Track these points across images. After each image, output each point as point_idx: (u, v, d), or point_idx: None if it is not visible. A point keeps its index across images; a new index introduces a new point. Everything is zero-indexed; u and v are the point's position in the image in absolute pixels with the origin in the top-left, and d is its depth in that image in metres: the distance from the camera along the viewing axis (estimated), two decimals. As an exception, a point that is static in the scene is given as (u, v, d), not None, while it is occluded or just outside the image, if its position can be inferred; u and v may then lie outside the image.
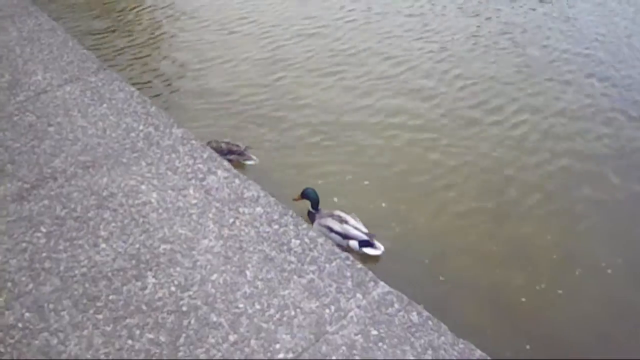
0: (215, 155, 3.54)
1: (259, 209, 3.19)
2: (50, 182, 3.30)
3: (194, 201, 3.20)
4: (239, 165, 4.49)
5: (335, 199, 4.79)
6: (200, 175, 3.37)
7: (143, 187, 3.27)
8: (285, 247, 2.97)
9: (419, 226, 4.67)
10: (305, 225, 3.13)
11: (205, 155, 3.52)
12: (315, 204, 4.34)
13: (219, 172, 3.41)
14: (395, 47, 7.29)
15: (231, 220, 3.10)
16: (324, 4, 8.38)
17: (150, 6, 8.15)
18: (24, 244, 2.94)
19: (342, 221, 4.19)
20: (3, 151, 3.54)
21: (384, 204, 4.82)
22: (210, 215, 3.12)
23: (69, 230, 3.01)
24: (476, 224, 4.71)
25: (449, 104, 6.28)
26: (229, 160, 4.28)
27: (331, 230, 4.11)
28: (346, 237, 4.13)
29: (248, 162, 4.37)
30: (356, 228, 4.17)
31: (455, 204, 4.94)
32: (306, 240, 3.03)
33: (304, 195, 4.33)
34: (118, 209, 3.14)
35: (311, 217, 4.34)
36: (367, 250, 4.12)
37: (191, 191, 3.26)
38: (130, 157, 3.48)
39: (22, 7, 5.13)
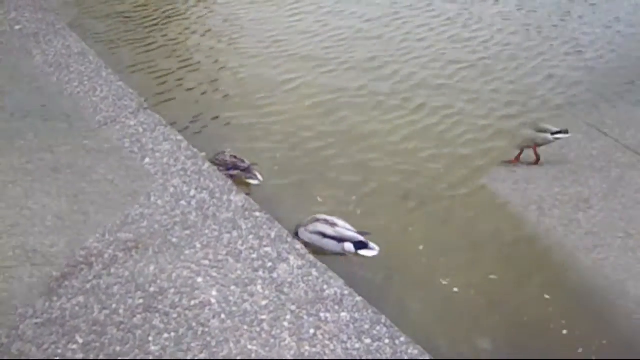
0: (284, 234, 2.90)
1: (344, 315, 2.55)
2: (84, 269, 2.69)
3: (264, 302, 2.56)
4: (241, 183, 3.89)
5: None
6: (269, 264, 2.73)
7: (200, 280, 2.64)
8: (382, 373, 2.34)
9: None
10: (403, 339, 2.48)
11: (273, 234, 2.88)
12: None
13: (291, 258, 2.77)
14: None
15: (312, 330, 2.47)
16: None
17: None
18: (56, 360, 2.34)
19: (333, 224, 3.67)
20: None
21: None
22: (286, 323, 2.49)
23: (111, 342, 2.40)
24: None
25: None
26: (231, 176, 3.73)
27: (324, 235, 3.59)
28: (341, 240, 3.62)
29: (251, 181, 3.85)
30: (347, 229, 3.67)
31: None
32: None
33: None
34: (170, 312, 2.51)
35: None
36: (364, 253, 3.63)
37: (259, 287, 2.62)
38: (182, 236, 2.84)
39: (48, 23, 4.47)
